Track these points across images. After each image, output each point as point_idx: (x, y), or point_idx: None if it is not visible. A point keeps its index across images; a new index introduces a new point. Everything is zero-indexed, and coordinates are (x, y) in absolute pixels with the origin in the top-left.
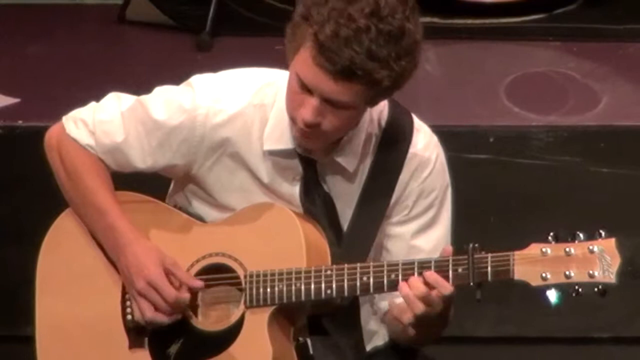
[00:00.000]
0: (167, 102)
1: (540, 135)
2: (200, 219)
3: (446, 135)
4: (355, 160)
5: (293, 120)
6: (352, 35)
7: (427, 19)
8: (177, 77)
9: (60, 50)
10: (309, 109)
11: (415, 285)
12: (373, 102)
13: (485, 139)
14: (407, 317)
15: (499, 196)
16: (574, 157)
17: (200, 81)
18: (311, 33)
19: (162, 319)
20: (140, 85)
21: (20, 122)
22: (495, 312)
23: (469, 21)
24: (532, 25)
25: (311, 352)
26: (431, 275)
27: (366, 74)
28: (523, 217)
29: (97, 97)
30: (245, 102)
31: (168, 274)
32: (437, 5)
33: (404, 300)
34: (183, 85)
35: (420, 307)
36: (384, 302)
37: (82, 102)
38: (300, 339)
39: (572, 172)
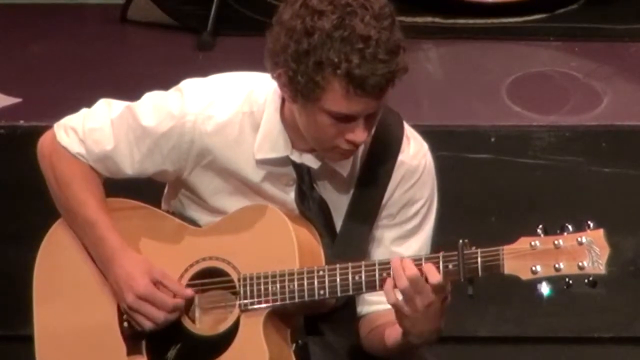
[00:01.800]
0: (156, 109)
1: (542, 135)
2: (195, 223)
3: (447, 135)
4: (348, 165)
5: (332, 148)
6: (375, 50)
7: (429, 19)
8: (179, 76)
9: (62, 50)
10: (360, 132)
11: (408, 266)
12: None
13: (487, 139)
14: (405, 311)
15: (500, 196)
16: (575, 157)
17: (189, 86)
18: (341, 74)
19: (158, 327)
20: (141, 85)
21: (21, 122)
22: (495, 311)
23: (471, 21)
24: (533, 25)
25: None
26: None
27: (400, 70)
28: (524, 217)
29: (99, 97)
30: (234, 109)
31: (157, 284)
32: (438, 5)
33: (397, 284)
34: (172, 91)
35: (410, 293)
36: (360, 308)
37: (84, 102)
38: (299, 341)
39: (573, 172)
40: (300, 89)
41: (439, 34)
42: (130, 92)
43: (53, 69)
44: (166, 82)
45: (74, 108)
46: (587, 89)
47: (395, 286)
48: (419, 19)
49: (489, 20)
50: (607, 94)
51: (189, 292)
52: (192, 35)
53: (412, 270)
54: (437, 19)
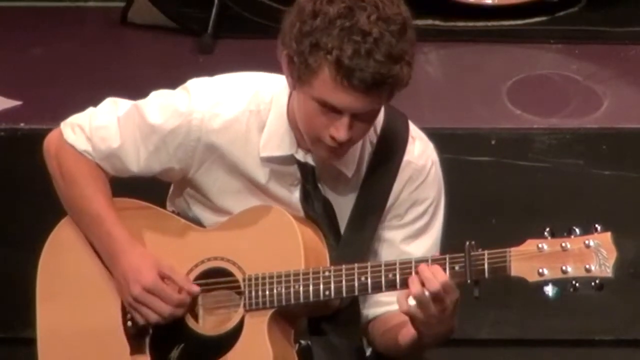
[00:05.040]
0: (163, 107)
1: (542, 137)
2: (199, 223)
3: (448, 138)
4: (353, 166)
5: (317, 140)
6: (372, 48)
7: (429, 22)
8: (179, 79)
9: (63, 52)
10: (341, 129)
11: (437, 272)
12: (392, 98)
13: (487, 142)
14: (419, 317)
15: (500, 198)
16: (576, 160)
17: (196, 85)
18: (331, 60)
19: (163, 321)
20: (142, 88)
21: (22, 124)
22: (496, 314)
23: (471, 23)
24: (534, 27)
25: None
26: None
27: (393, 78)
28: (525, 219)
29: (99, 100)
30: (241, 108)
31: (164, 278)
32: (438, 7)
33: (416, 293)
34: (179, 89)
35: (427, 300)
36: (369, 310)
37: (84, 104)
38: (302, 342)
39: (574, 175)
40: (296, 71)
41: (439, 37)
42: (131, 94)
43: (53, 71)
44: (167, 84)
45: (74, 110)
46: (588, 92)
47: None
48: (419, 22)
49: (489, 23)
50: (607, 96)
51: (195, 288)
52: (193, 37)
53: (442, 277)
54: (437, 22)
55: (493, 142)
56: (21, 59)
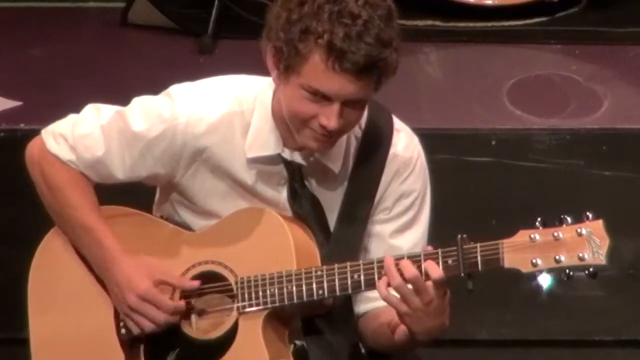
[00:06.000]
0: (146, 113)
1: (542, 138)
2: (188, 227)
3: (448, 138)
4: (339, 161)
5: (305, 129)
6: (362, 31)
7: (429, 22)
8: (179, 79)
9: (63, 53)
10: (332, 116)
11: (407, 268)
12: (380, 87)
13: (487, 142)
14: (403, 309)
15: (500, 199)
16: (576, 160)
17: (178, 90)
18: (322, 44)
19: (159, 329)
20: (142, 88)
21: (22, 125)
22: (495, 314)
23: (471, 24)
24: (534, 28)
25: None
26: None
27: (383, 62)
28: (525, 219)
29: (99, 101)
30: (224, 110)
31: (159, 284)
32: (439, 8)
33: (395, 289)
34: (162, 95)
35: (407, 292)
36: (358, 307)
37: (84, 104)
38: (297, 342)
39: (574, 175)
40: (284, 61)
41: (439, 37)
42: (131, 95)
43: (53, 72)
44: (167, 85)
45: (74, 111)
46: (588, 92)
47: (389, 285)
48: (420, 22)
49: (490, 24)
50: (607, 97)
51: (193, 283)
52: (193, 38)
53: (412, 271)
54: (437, 22)
55: (493, 143)
56: (21, 59)
